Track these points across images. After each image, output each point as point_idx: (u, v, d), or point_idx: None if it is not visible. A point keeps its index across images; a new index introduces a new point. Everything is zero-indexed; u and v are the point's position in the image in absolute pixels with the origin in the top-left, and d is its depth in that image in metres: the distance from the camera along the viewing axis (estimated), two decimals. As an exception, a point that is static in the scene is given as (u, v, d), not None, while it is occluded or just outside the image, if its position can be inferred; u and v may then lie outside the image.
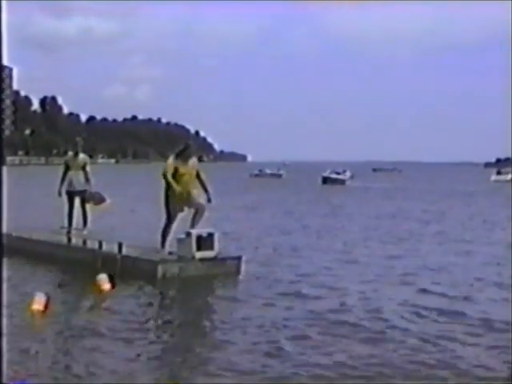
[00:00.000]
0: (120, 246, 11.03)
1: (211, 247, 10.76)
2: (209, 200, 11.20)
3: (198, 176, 11.33)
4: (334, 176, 61.94)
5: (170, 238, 11.10)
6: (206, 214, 11.21)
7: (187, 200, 11.12)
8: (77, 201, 13.46)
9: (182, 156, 11.24)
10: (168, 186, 11.12)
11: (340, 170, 66.79)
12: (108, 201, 13.46)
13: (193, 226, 11.00)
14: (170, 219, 11.15)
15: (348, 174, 65.97)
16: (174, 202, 11.08)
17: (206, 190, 11.28)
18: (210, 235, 10.78)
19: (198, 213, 11.10)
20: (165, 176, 11.11)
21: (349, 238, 16.83)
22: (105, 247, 11.36)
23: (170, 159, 11.32)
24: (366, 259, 13.23)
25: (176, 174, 11.07)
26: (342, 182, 60.11)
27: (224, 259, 11.00)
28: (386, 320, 8.13)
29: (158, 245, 11.09)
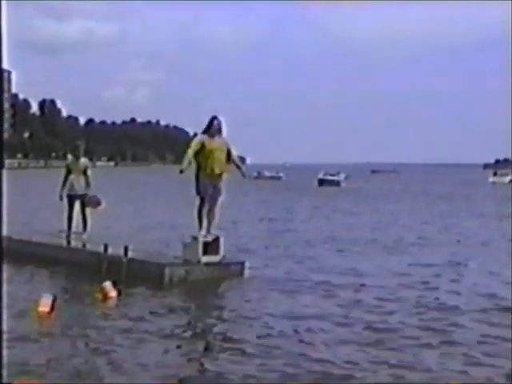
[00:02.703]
0: (126, 249, 10.96)
1: (217, 252, 10.78)
2: (243, 175, 11.19)
3: (228, 154, 10.92)
4: (329, 178, 63.11)
5: (205, 223, 10.85)
6: (218, 212, 11.02)
7: (216, 179, 10.80)
8: (77, 204, 13.40)
9: (208, 132, 10.81)
10: (199, 166, 10.79)
11: (334, 172, 67.66)
12: (104, 204, 13.42)
13: (209, 225, 10.82)
14: (202, 200, 10.86)
15: (342, 175, 66.85)
16: (203, 179, 10.75)
17: (238, 167, 11.15)
18: (216, 240, 10.79)
19: (211, 211, 10.88)
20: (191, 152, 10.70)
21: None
22: (110, 250, 11.29)
23: (198, 136, 10.97)
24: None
25: (203, 150, 10.65)
26: (338, 183, 61.15)
27: (228, 264, 11.02)
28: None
29: (196, 226, 10.86)
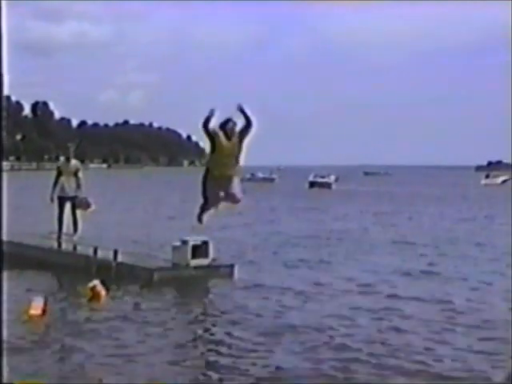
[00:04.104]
0: (115, 252, 10.95)
1: (206, 255, 10.79)
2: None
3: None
4: (319, 180, 63.40)
5: (205, 218, 9.62)
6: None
7: (225, 186, 9.33)
8: (67, 206, 13.40)
9: (224, 129, 9.14)
10: (207, 170, 9.47)
11: (325, 174, 68.04)
12: (93, 206, 13.44)
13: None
14: (206, 201, 9.54)
15: (332, 177, 67.22)
16: (211, 186, 9.44)
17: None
18: (205, 243, 10.78)
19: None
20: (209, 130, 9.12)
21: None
22: (100, 254, 11.27)
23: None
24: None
25: (216, 148, 9.17)
26: (329, 185, 61.43)
27: (217, 267, 11.04)
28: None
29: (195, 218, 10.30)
